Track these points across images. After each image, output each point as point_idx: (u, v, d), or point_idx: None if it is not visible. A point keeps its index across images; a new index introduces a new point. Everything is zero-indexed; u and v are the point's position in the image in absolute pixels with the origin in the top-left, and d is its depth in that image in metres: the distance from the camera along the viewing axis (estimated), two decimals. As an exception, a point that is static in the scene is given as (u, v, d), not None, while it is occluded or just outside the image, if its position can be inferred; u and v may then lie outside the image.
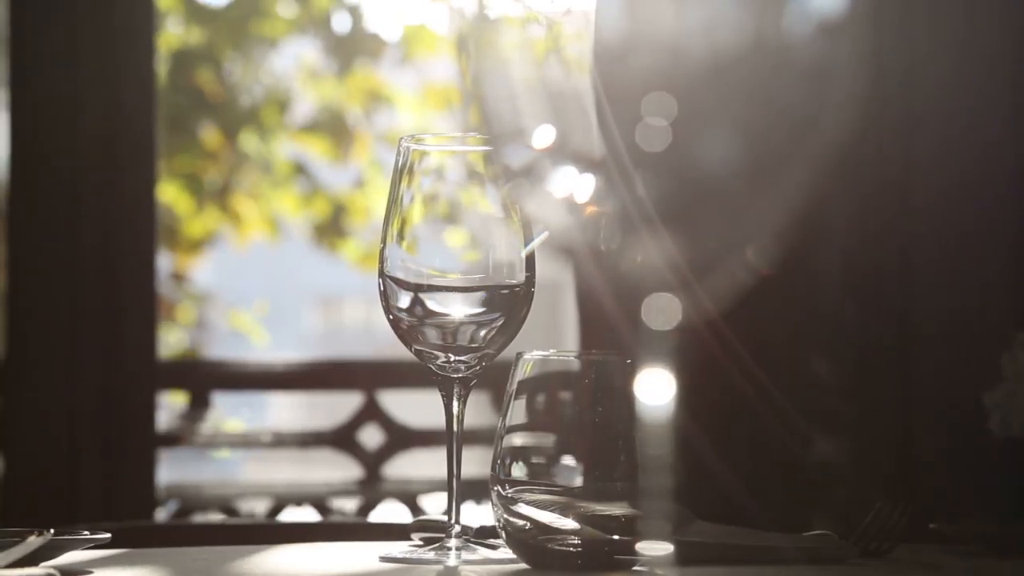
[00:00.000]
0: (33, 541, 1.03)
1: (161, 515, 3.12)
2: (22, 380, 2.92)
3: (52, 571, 0.97)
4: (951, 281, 1.84)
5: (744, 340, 1.71)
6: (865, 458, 1.74)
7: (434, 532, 1.28)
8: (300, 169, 7.37)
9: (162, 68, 6.91)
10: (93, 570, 1.12)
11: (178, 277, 7.43)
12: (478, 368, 1.23)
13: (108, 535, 1.15)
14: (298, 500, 3.25)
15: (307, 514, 3.23)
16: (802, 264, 1.78)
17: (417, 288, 1.21)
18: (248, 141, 7.26)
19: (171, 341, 7.24)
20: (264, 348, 8.32)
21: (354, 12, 7.26)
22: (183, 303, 7.49)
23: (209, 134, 7.25)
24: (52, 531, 1.07)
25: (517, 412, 1.15)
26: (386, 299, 1.22)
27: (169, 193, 7.10)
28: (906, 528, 1.26)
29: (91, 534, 1.14)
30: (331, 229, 7.35)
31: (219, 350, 8.42)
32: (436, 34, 7.16)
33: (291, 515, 3.23)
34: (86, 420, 2.91)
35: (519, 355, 1.17)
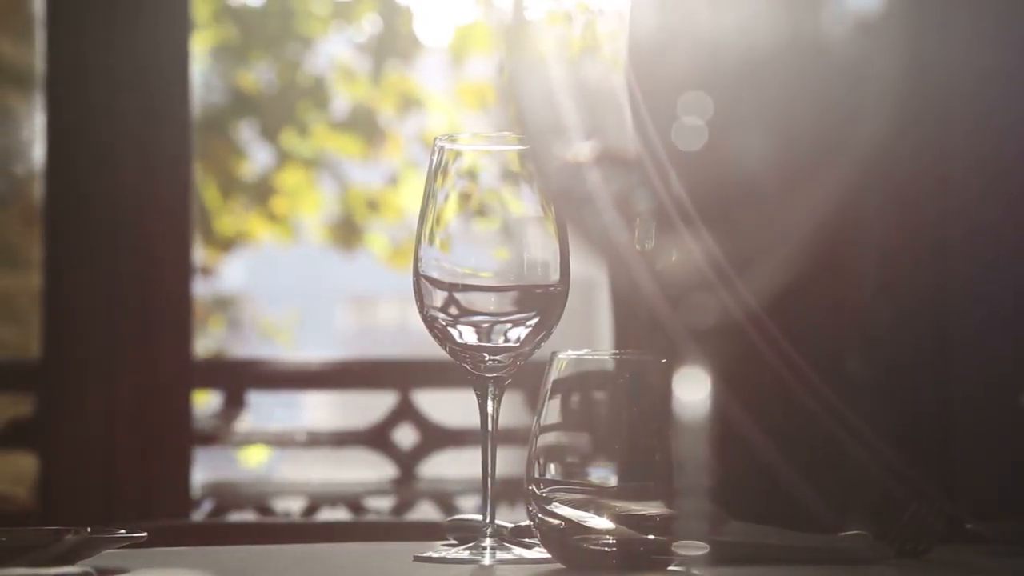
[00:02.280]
0: (70, 540, 1.04)
1: (197, 514, 3.13)
2: (59, 380, 2.94)
3: (89, 570, 0.98)
4: (988, 280, 1.83)
5: (779, 339, 1.70)
6: (901, 458, 1.74)
7: (469, 531, 1.28)
8: (327, 168, 7.38)
9: (198, 67, 6.93)
10: (129, 568, 1.13)
11: (207, 271, 7.44)
12: (513, 367, 1.23)
13: (144, 534, 1.16)
14: (332, 499, 3.26)
15: (341, 513, 3.23)
16: (838, 263, 1.78)
17: (452, 287, 1.21)
18: (288, 140, 7.28)
19: (204, 346, 7.26)
20: (297, 343, 8.34)
21: (391, 13, 7.27)
22: (213, 315, 7.52)
23: (245, 132, 7.27)
24: (89, 529, 1.08)
25: (552, 412, 1.15)
26: (421, 298, 1.22)
27: (206, 192, 7.13)
28: (942, 528, 1.25)
29: (127, 533, 1.15)
30: (347, 227, 7.35)
31: (251, 349, 8.44)
32: (482, 33, 7.15)
33: (326, 514, 3.24)
34: (123, 419, 2.93)
35: (554, 354, 1.17)
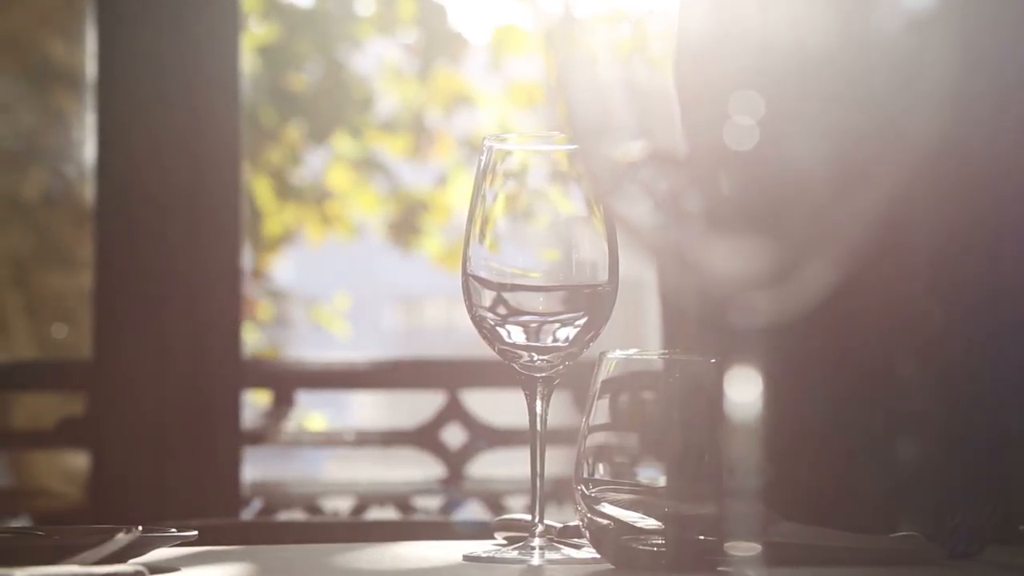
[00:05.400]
0: (121, 538, 1.05)
1: (246, 513, 3.14)
2: (110, 379, 2.96)
3: (140, 568, 0.98)
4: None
5: (829, 339, 1.69)
6: (953, 458, 1.72)
7: (518, 531, 1.28)
8: (379, 167, 7.40)
9: (247, 69, 6.96)
10: (180, 567, 1.13)
11: (258, 274, 7.48)
12: (561, 367, 1.22)
13: (195, 532, 1.16)
14: (381, 499, 3.26)
15: (390, 513, 3.24)
16: (889, 263, 1.77)
17: (500, 287, 1.21)
18: (337, 141, 7.30)
19: (252, 340, 7.29)
20: (346, 343, 8.37)
21: (436, 13, 7.28)
22: (263, 303, 7.55)
23: (293, 133, 7.30)
24: (140, 528, 1.08)
25: (600, 412, 1.15)
26: (469, 298, 1.22)
27: (257, 190, 7.16)
28: (995, 529, 1.24)
29: (178, 531, 1.15)
30: (406, 226, 7.37)
31: (300, 348, 8.48)
32: (524, 33, 7.15)
33: (374, 514, 3.24)
34: (173, 418, 2.95)
35: (602, 354, 1.17)
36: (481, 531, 1.48)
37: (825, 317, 1.64)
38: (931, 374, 1.79)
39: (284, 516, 3.23)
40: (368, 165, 7.37)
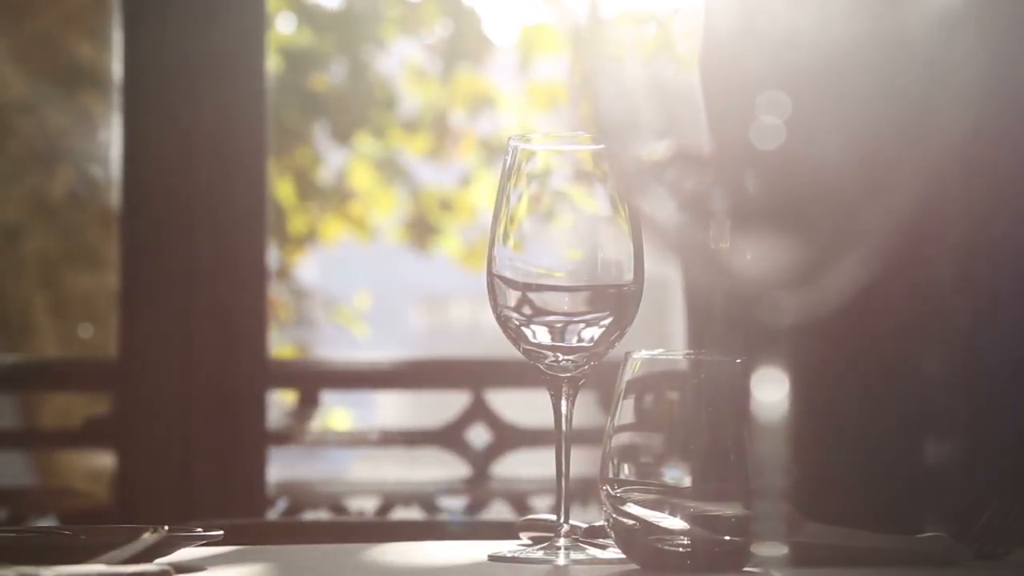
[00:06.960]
0: (147, 538, 1.05)
1: (272, 513, 3.15)
2: (136, 379, 2.97)
3: (166, 567, 0.99)
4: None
5: (856, 339, 1.69)
6: (980, 458, 1.72)
7: (542, 531, 1.28)
8: (398, 171, 7.40)
9: (272, 70, 6.97)
10: (206, 567, 1.14)
11: (283, 274, 7.50)
12: (587, 367, 1.22)
13: (220, 532, 1.16)
14: (406, 499, 3.27)
15: (415, 513, 3.24)
16: (916, 261, 1.76)
17: (525, 287, 1.21)
18: (360, 142, 7.31)
19: (274, 341, 7.30)
20: (371, 343, 8.37)
21: (460, 14, 7.28)
22: (284, 303, 7.57)
23: (319, 134, 7.31)
24: (166, 528, 1.09)
25: (626, 412, 1.15)
26: (494, 298, 1.22)
27: (281, 192, 7.18)
28: (1023, 530, 1.23)
29: (204, 531, 1.15)
30: (423, 227, 7.37)
31: (325, 348, 8.48)
32: (554, 31, 7.15)
33: (399, 513, 3.25)
34: (199, 418, 2.95)
35: (628, 354, 1.16)
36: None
37: (851, 316, 1.63)
38: (959, 374, 1.78)
39: (310, 516, 3.24)
40: (390, 165, 7.38)
